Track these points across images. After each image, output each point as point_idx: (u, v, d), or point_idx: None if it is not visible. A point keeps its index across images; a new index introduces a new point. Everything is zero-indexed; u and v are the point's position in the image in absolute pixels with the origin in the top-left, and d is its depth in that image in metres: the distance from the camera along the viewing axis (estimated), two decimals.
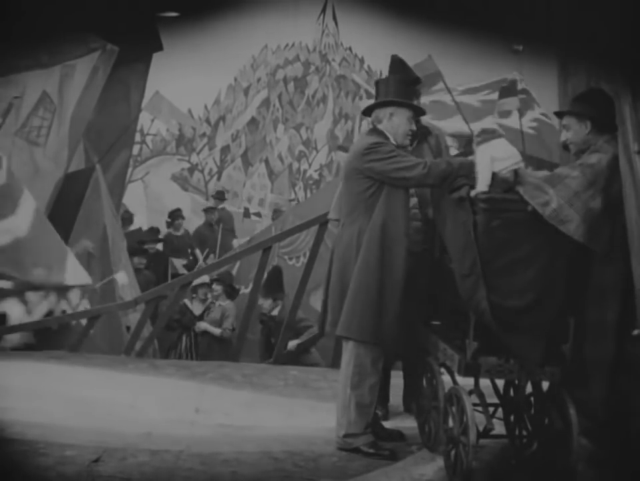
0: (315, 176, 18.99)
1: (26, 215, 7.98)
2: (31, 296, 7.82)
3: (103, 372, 6.36)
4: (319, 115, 19.63)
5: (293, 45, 19.84)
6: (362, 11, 17.15)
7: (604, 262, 4.33)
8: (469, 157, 4.61)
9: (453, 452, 4.37)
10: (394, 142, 4.84)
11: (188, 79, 16.06)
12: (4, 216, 7.84)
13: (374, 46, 15.59)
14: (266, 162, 19.25)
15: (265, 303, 8.39)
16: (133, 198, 14.92)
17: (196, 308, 9.44)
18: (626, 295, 4.22)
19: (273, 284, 8.47)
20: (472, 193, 4.35)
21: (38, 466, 4.42)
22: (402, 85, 4.91)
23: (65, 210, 9.56)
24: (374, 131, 4.91)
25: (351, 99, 18.98)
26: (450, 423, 4.44)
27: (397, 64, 5.25)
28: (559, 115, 4.67)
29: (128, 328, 8.58)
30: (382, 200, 4.74)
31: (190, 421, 5.43)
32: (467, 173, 4.52)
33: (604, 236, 4.29)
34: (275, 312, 8.38)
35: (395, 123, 4.86)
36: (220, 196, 15.07)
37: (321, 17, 19.66)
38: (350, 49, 19.67)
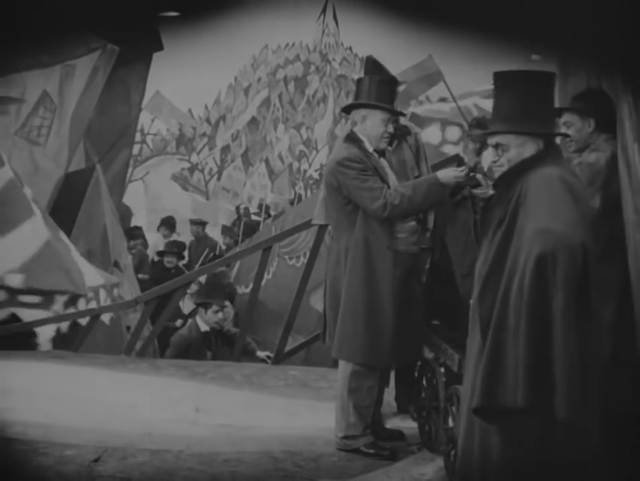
0: (315, 175, 19.01)
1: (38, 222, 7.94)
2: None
3: (103, 372, 6.37)
4: (320, 115, 19.65)
5: (294, 44, 19.85)
6: (362, 10, 17.14)
7: (602, 262, 4.33)
8: (436, 176, 4.59)
9: (453, 452, 4.36)
10: (369, 147, 4.77)
11: (189, 79, 16.08)
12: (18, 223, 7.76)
13: (374, 46, 15.58)
14: (267, 161, 19.26)
15: (214, 317, 7.71)
16: (133, 197, 14.93)
17: (187, 306, 9.18)
18: (624, 295, 4.22)
19: (218, 289, 8.12)
20: (475, 192, 4.34)
21: (38, 466, 4.42)
22: (377, 87, 4.80)
23: (65, 210, 9.56)
24: (349, 138, 4.82)
25: (352, 99, 19.01)
26: (450, 423, 4.44)
27: (371, 65, 5.18)
28: (559, 111, 4.65)
29: (128, 328, 8.58)
30: (361, 215, 4.68)
31: (190, 421, 5.43)
32: (436, 198, 4.52)
33: (603, 235, 4.29)
34: (227, 326, 7.84)
35: (368, 126, 4.77)
36: None
37: (322, 16, 19.68)
38: (350, 48, 19.69)
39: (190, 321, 8.13)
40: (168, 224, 12.79)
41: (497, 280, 3.33)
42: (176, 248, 11.28)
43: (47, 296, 7.59)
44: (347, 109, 4.96)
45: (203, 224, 13.17)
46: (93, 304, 7.84)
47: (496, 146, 3.48)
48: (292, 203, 15.32)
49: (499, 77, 3.57)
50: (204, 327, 7.77)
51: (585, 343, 3.23)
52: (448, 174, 4.52)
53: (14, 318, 7.51)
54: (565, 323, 3.14)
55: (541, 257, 3.13)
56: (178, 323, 9.06)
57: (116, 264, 9.34)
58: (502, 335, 3.25)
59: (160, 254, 11.00)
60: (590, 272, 3.24)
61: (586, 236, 3.24)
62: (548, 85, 3.53)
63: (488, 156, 4.44)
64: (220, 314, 7.71)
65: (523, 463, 3.29)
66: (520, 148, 3.45)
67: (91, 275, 8.05)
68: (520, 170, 3.44)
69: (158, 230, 12.82)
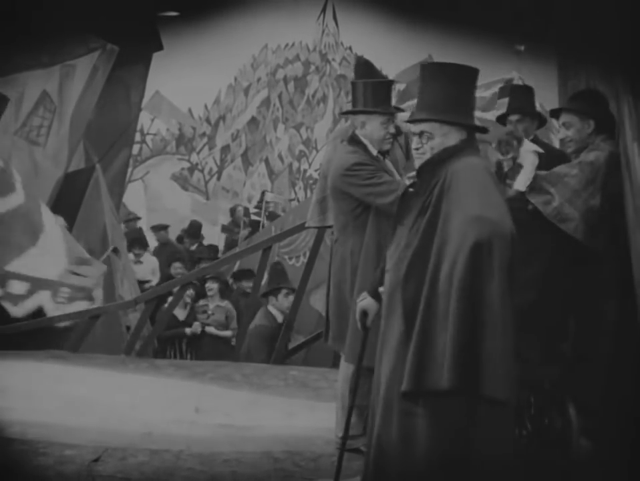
0: (315, 175, 18.98)
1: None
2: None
3: (103, 372, 6.37)
4: (319, 115, 19.62)
5: (293, 44, 19.83)
6: (362, 10, 17.16)
7: (603, 261, 4.34)
8: None
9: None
10: (373, 150, 4.75)
11: (188, 79, 16.05)
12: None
13: (374, 46, 15.58)
14: (266, 161, 19.24)
15: (286, 301, 7.67)
16: (133, 197, 14.92)
17: (180, 313, 8.90)
18: (625, 294, 4.22)
19: (283, 273, 8.03)
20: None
21: (38, 466, 4.42)
22: (372, 91, 4.75)
23: (65, 210, 9.55)
24: (353, 140, 4.80)
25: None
26: None
27: (363, 66, 5.14)
28: (557, 112, 4.66)
29: (128, 328, 8.58)
30: (371, 220, 4.66)
31: (190, 421, 5.43)
32: None
33: (603, 234, 4.30)
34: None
35: (368, 130, 4.75)
36: None
37: (321, 16, 19.66)
38: (350, 48, 19.65)
39: (260, 311, 7.99)
40: (140, 242, 11.13)
41: (422, 266, 3.39)
42: (213, 253, 10.84)
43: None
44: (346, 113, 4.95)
45: (165, 228, 12.33)
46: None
47: (420, 134, 3.56)
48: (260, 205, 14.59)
49: (427, 69, 3.68)
50: (279, 317, 7.72)
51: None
52: None
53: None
54: (502, 307, 3.25)
55: (477, 244, 3.23)
56: (189, 331, 8.94)
57: (115, 250, 9.21)
58: (431, 320, 3.33)
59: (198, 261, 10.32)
60: (514, 258, 3.37)
61: (512, 225, 3.38)
62: (472, 81, 3.64)
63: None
64: (290, 297, 7.62)
65: (449, 444, 3.34)
66: (444, 137, 3.53)
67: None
68: (443, 158, 3.52)
69: (130, 251, 10.68)
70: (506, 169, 4.37)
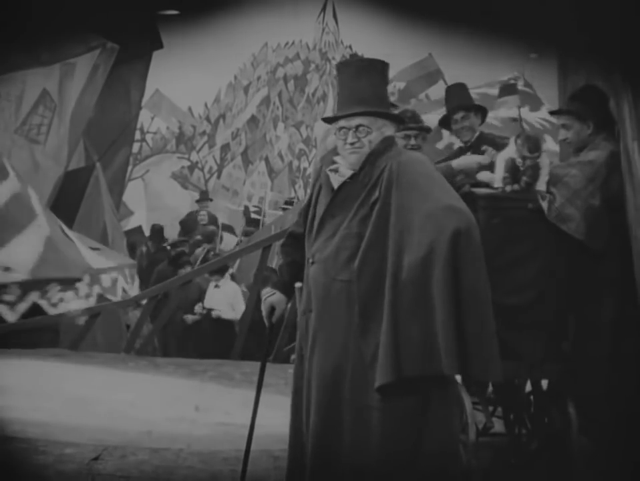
0: None
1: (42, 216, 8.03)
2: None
3: (103, 370, 6.37)
4: (319, 114, 19.63)
5: (293, 43, 19.85)
6: (362, 8, 17.16)
7: (603, 260, 4.33)
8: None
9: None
10: None
11: (188, 77, 16.06)
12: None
13: (374, 44, 15.58)
14: (266, 160, 19.25)
15: None
16: (133, 196, 14.93)
17: None
18: (626, 293, 4.22)
19: None
20: (477, 190, 4.33)
21: (38, 464, 4.42)
22: None
23: (65, 208, 9.56)
24: None
25: None
26: None
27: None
28: (557, 113, 4.66)
29: (128, 326, 8.59)
30: None
31: (190, 420, 5.44)
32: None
33: (603, 234, 4.29)
34: None
35: None
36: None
37: (321, 15, 19.68)
38: (350, 47, 19.67)
39: None
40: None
41: (377, 257, 3.39)
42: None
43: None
44: None
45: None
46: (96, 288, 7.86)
47: (357, 128, 3.55)
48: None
49: (353, 65, 3.73)
50: None
51: None
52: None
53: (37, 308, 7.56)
54: (484, 291, 3.29)
55: (457, 232, 3.24)
56: (189, 318, 8.87)
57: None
58: (399, 310, 3.32)
59: None
60: None
61: None
62: (387, 75, 3.69)
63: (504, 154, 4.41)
64: None
65: (404, 433, 3.34)
66: (379, 131, 3.56)
67: (96, 260, 8.12)
68: (383, 148, 3.54)
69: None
70: (522, 167, 4.35)
